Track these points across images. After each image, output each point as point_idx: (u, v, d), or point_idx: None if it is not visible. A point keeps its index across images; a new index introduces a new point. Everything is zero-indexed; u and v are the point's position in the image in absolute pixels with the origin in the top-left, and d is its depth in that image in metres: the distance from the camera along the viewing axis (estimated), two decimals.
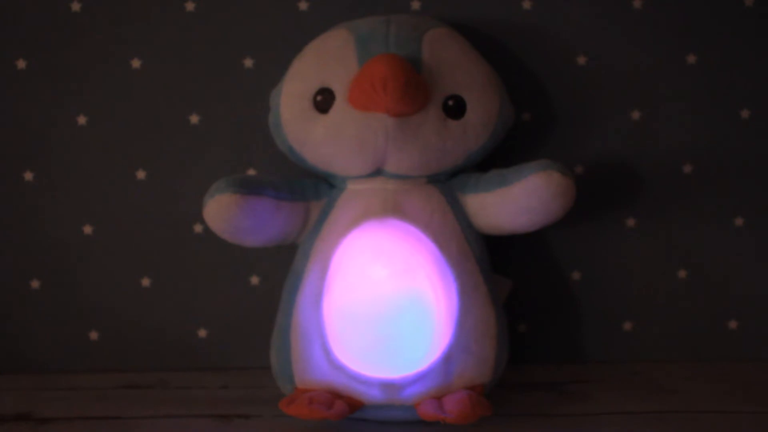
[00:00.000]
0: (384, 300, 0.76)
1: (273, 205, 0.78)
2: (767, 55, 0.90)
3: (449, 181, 0.81)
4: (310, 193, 0.81)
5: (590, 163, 0.91)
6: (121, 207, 0.90)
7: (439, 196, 0.80)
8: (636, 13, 0.89)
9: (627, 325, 0.93)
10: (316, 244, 0.79)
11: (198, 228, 0.90)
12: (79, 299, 0.91)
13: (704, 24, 0.90)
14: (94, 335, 0.91)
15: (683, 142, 0.91)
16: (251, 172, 0.90)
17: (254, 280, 0.91)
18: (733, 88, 0.91)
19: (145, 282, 0.91)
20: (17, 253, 0.90)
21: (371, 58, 0.75)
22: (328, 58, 0.79)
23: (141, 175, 0.90)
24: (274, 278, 0.89)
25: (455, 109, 0.78)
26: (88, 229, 0.90)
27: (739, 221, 0.92)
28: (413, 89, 0.74)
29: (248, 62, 0.89)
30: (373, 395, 0.77)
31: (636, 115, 0.90)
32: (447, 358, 0.77)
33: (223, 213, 0.76)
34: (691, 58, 0.90)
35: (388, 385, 0.76)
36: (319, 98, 0.78)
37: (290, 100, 0.80)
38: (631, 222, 0.92)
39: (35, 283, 0.91)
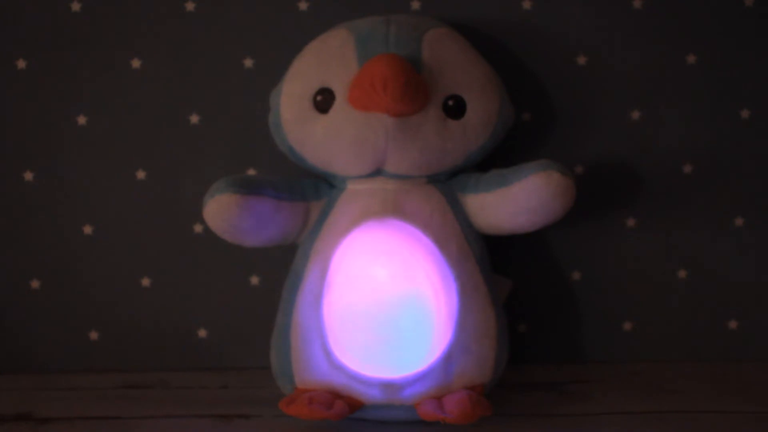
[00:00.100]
0: (384, 300, 0.76)
1: (273, 205, 0.78)
2: (767, 55, 0.90)
3: (449, 181, 0.81)
4: (310, 193, 0.81)
5: (590, 163, 0.91)
6: (121, 207, 0.90)
7: (439, 196, 0.80)
8: (636, 13, 0.89)
9: (627, 325, 0.93)
10: (316, 244, 0.79)
11: (198, 228, 0.90)
12: (79, 299, 0.91)
13: (704, 24, 0.90)
14: (94, 335, 0.91)
15: (683, 142, 0.91)
16: (251, 172, 0.90)
17: (254, 280, 0.91)
18: (733, 88, 0.91)
19: (145, 282, 0.91)
20: (17, 253, 0.90)
21: (371, 58, 0.75)
22: (328, 58, 0.79)
23: (141, 175, 0.90)
24: (274, 278, 0.89)
25: (455, 109, 0.78)
26: (88, 229, 0.90)
27: (739, 221, 0.92)
28: (413, 89, 0.74)
29: (248, 62, 0.89)
30: (373, 395, 0.77)
31: (636, 115, 0.90)
32: (447, 358, 0.77)
33: (223, 213, 0.76)
34: (691, 58, 0.90)
35: (388, 385, 0.76)
36: (319, 98, 0.78)
37: (290, 100, 0.80)
38: (631, 222, 0.92)
39: (35, 283, 0.91)
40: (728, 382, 0.87)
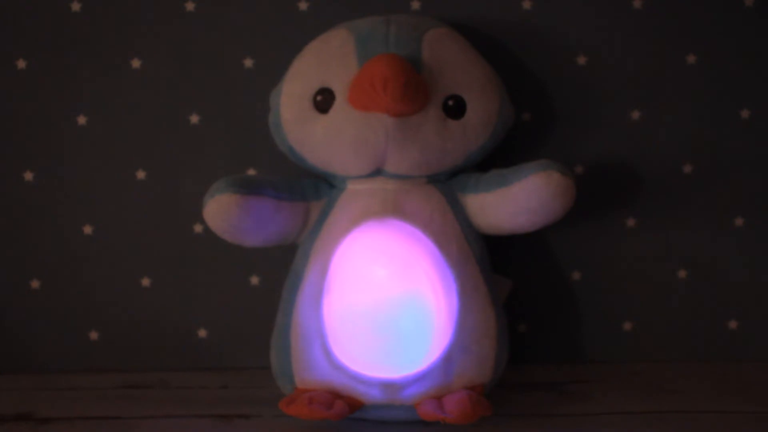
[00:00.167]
0: (384, 300, 0.76)
1: (273, 205, 0.78)
2: (767, 55, 0.90)
3: (449, 182, 0.81)
4: (310, 193, 0.81)
5: (590, 163, 0.91)
6: (121, 207, 0.90)
7: (439, 196, 0.80)
8: (636, 13, 0.89)
9: (627, 325, 0.93)
10: (316, 244, 0.79)
11: (198, 228, 0.90)
12: (79, 299, 0.91)
13: (704, 24, 0.90)
14: (94, 335, 0.91)
15: (683, 142, 0.91)
16: (251, 172, 0.90)
17: (254, 280, 0.91)
18: (733, 88, 0.91)
19: (145, 282, 0.91)
20: (17, 253, 0.90)
21: (371, 58, 0.75)
22: (328, 58, 0.79)
23: (141, 175, 0.90)
24: (274, 278, 0.88)
25: (455, 109, 0.78)
26: (88, 229, 0.90)
27: (739, 221, 0.92)
28: (413, 89, 0.74)
29: (248, 62, 0.89)
30: (373, 395, 0.77)
31: (636, 115, 0.90)
32: (447, 358, 0.77)
33: (223, 213, 0.76)
34: (691, 58, 0.90)
35: (388, 385, 0.76)
36: (319, 98, 0.78)
37: (290, 100, 0.80)
38: (631, 222, 0.92)
39: (35, 283, 0.91)
40: (728, 382, 0.87)
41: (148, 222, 0.90)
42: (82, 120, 0.89)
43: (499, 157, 0.84)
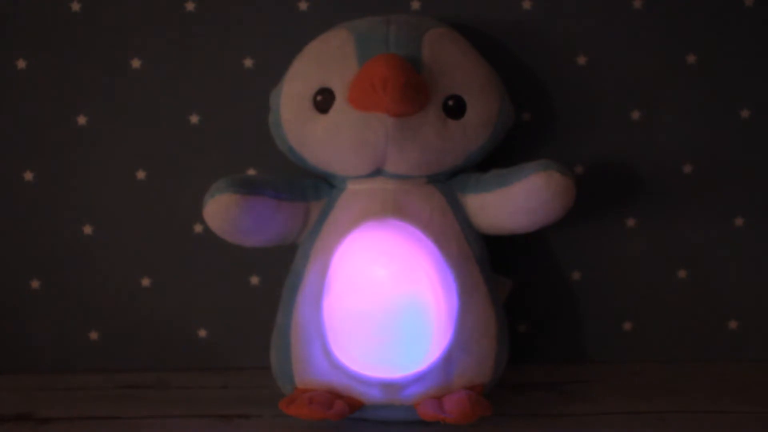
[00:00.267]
0: (384, 300, 0.76)
1: (273, 205, 0.78)
2: (767, 55, 0.90)
3: (449, 182, 0.81)
4: (310, 193, 0.81)
5: (590, 163, 0.91)
6: (121, 207, 0.90)
7: (439, 196, 0.80)
8: (636, 13, 0.89)
9: (627, 325, 0.93)
10: (316, 244, 0.79)
11: (198, 228, 0.90)
12: (79, 299, 0.91)
13: (704, 24, 0.90)
14: (94, 335, 0.91)
15: (683, 142, 0.91)
16: (251, 172, 0.90)
17: (254, 280, 0.91)
18: (733, 88, 0.91)
19: (145, 282, 0.91)
20: (17, 253, 0.90)
21: (371, 58, 0.75)
22: (328, 58, 0.79)
23: (141, 175, 0.90)
24: (274, 278, 0.88)
25: (455, 109, 0.78)
26: (88, 229, 0.90)
27: (739, 221, 0.92)
28: (413, 89, 0.74)
29: (248, 62, 0.89)
30: (373, 395, 0.77)
31: (636, 115, 0.90)
32: (447, 358, 0.77)
33: (223, 213, 0.76)
34: (691, 58, 0.90)
35: (388, 385, 0.76)
36: (319, 98, 0.78)
37: (290, 100, 0.80)
38: (631, 222, 0.92)
39: (35, 283, 0.91)
40: (728, 382, 0.87)
41: (148, 222, 0.90)
42: (82, 120, 0.89)
43: (499, 157, 0.84)
